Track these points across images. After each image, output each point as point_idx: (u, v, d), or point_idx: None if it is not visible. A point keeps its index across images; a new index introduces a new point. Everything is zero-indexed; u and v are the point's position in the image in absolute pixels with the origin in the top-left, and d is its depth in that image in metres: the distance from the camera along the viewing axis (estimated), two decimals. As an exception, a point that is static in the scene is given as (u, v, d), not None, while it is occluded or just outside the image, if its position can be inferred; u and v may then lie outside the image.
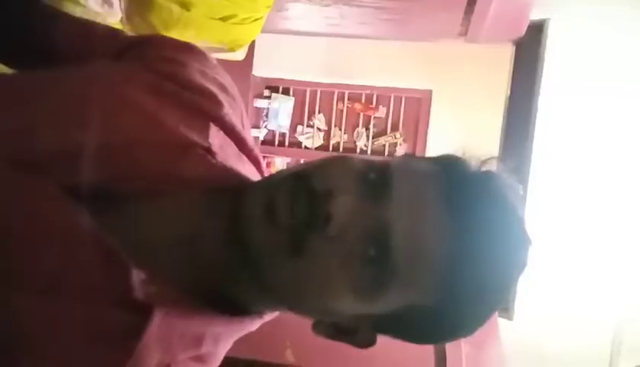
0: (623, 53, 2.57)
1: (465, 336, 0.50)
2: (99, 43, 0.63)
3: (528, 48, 2.75)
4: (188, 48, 0.62)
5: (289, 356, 1.52)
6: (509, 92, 2.94)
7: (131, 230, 0.49)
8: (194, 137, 0.53)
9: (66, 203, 0.46)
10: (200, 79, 0.58)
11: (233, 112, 0.58)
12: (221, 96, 0.58)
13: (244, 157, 0.58)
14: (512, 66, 2.93)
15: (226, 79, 0.62)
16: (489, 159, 0.50)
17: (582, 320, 2.52)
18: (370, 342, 0.52)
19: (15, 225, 0.46)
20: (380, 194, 0.46)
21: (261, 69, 3.18)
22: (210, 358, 0.51)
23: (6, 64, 0.69)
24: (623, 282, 2.53)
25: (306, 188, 0.46)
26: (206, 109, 0.56)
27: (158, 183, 0.51)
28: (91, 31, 0.66)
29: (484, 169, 0.49)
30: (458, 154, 0.50)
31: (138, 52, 0.60)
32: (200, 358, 0.50)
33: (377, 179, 0.47)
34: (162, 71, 0.56)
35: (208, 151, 0.53)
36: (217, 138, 0.55)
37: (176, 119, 0.53)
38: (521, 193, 0.49)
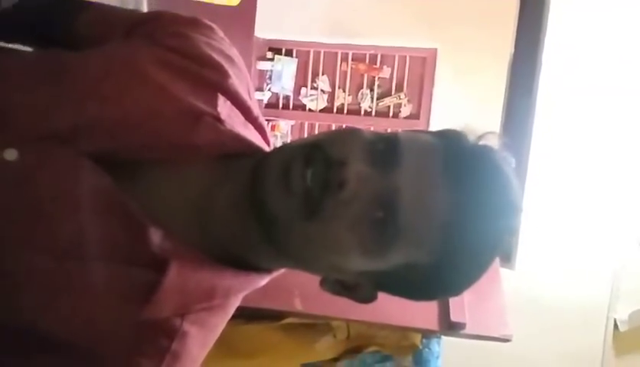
0: (629, 6, 2.53)
1: (455, 294, 0.56)
2: (119, 24, 0.67)
3: (533, 1, 2.71)
4: (195, 22, 0.64)
5: (298, 304, 1.58)
6: (514, 48, 2.91)
7: (147, 194, 0.53)
8: (203, 106, 0.56)
9: (88, 169, 0.50)
10: (206, 51, 0.60)
11: (239, 83, 0.61)
12: (227, 66, 0.61)
13: (250, 125, 0.62)
14: (517, 20, 2.89)
15: (232, 51, 0.64)
16: (487, 133, 0.54)
17: (581, 268, 2.57)
18: (371, 298, 0.56)
19: (42, 191, 0.49)
20: (388, 163, 0.50)
21: (263, 31, 3.15)
22: (221, 310, 0.56)
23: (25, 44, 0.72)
24: (620, 229, 2.57)
25: (322, 156, 0.50)
26: (213, 80, 0.59)
27: (171, 151, 0.55)
28: (112, 16, 0.69)
29: (481, 143, 0.53)
30: (460, 127, 0.55)
31: (147, 28, 0.63)
32: (211, 310, 0.54)
33: (385, 149, 0.51)
34: (169, 45, 0.59)
35: (217, 119, 0.57)
36: (224, 107, 0.58)
37: (185, 90, 0.56)
38: (513, 166, 0.54)
